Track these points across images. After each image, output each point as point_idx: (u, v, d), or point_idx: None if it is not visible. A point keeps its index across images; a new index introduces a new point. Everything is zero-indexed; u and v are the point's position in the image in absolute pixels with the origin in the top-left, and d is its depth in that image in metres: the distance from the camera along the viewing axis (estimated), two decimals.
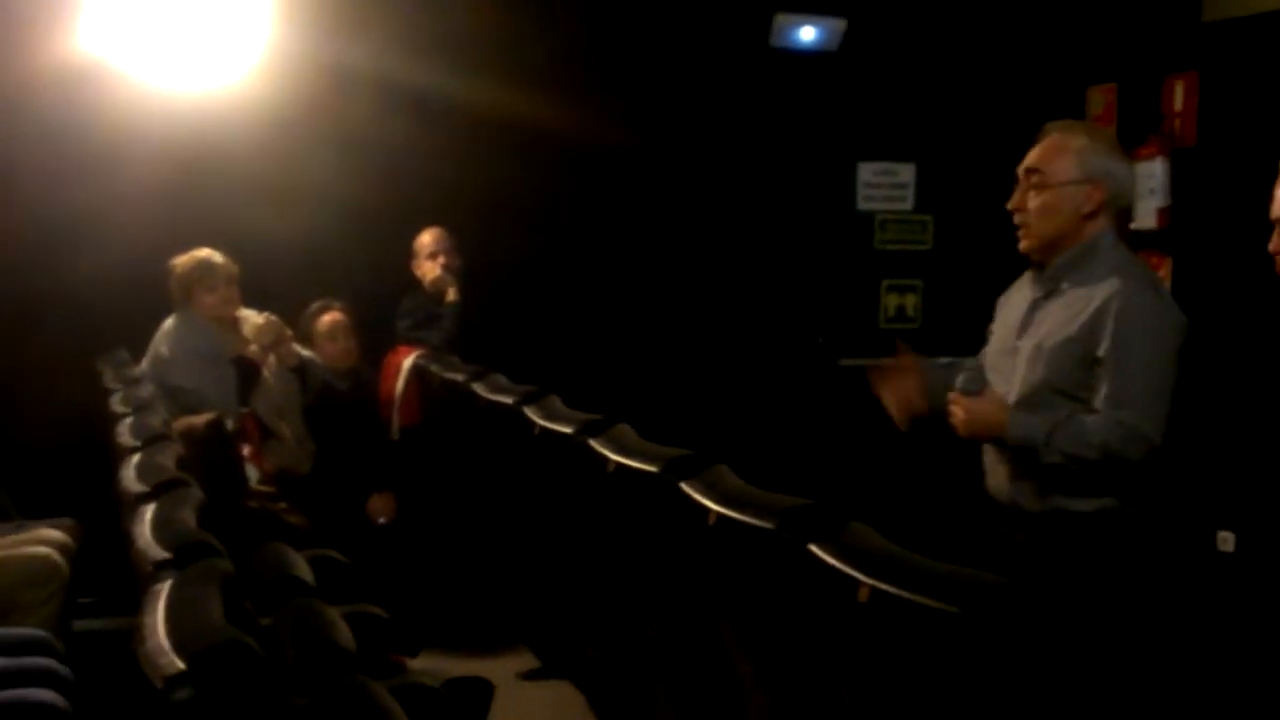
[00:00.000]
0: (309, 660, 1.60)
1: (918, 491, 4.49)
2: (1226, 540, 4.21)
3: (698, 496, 1.96)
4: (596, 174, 4.71)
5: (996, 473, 2.66)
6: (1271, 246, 2.15)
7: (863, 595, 1.51)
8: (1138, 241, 4.51)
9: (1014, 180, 2.81)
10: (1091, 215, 2.61)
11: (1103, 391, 2.52)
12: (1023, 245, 2.68)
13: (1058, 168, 2.62)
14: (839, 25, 4.70)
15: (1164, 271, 4.42)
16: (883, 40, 4.84)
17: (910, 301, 5.12)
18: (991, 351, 2.75)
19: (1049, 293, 2.65)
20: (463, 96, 4.39)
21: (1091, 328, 2.53)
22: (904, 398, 2.71)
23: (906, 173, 5.01)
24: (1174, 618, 3.17)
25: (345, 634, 1.70)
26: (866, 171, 4.99)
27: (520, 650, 3.58)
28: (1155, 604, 2.67)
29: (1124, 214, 2.69)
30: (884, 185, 5.04)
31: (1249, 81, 4.16)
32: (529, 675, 3.43)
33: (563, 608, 3.18)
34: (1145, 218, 4.45)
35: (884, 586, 1.49)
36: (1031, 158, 2.66)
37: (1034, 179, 2.63)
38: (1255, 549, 4.10)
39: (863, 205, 5.01)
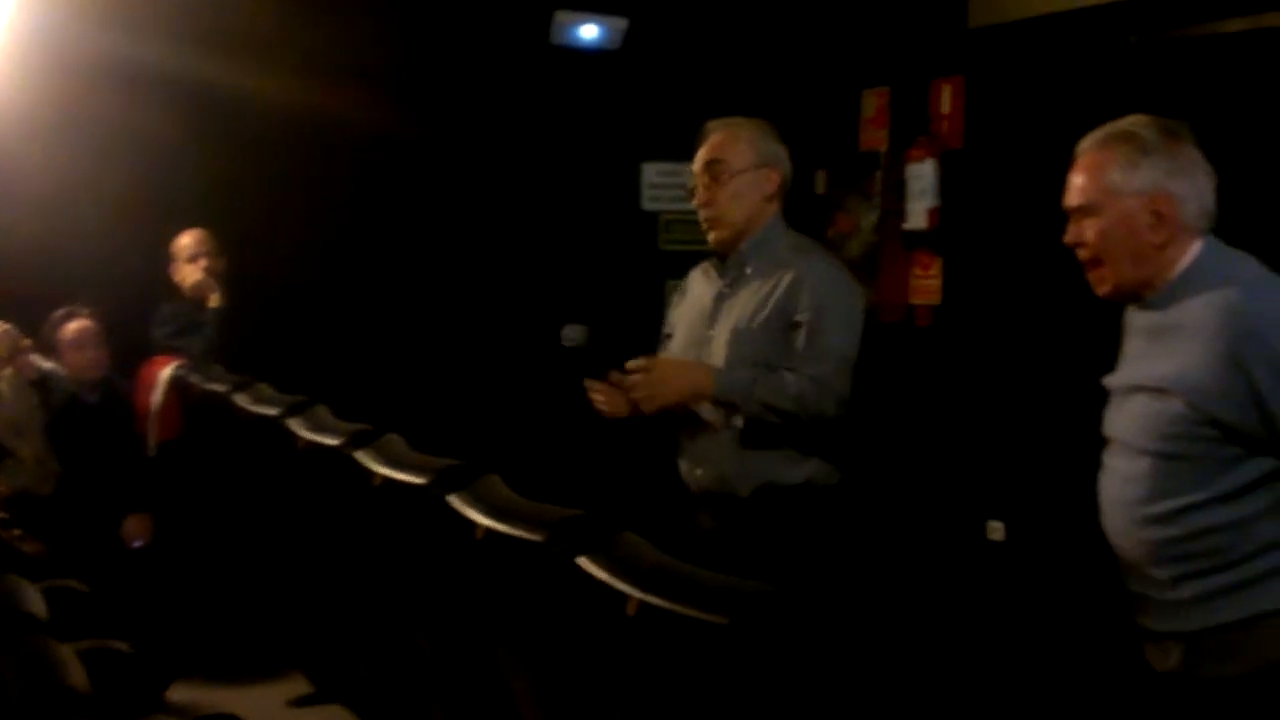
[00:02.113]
0: (34, 704, 1.49)
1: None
2: (996, 530, 4.37)
3: (465, 509, 1.86)
4: (376, 173, 4.54)
5: (707, 462, 2.73)
6: (1067, 238, 2.18)
7: (631, 609, 1.44)
8: (909, 241, 4.64)
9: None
10: (770, 197, 2.78)
11: (794, 350, 2.67)
12: (714, 237, 2.80)
13: (737, 155, 2.78)
14: (620, 24, 4.67)
15: (935, 270, 4.56)
16: (665, 40, 4.83)
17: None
18: (679, 345, 2.85)
19: (734, 281, 2.78)
20: (238, 89, 4.17)
21: (786, 301, 2.68)
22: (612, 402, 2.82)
23: (690, 173, 5.02)
24: (943, 617, 3.25)
25: (78, 674, 1.57)
26: (651, 172, 4.97)
27: (292, 675, 3.41)
28: (923, 603, 2.75)
29: (787, 196, 2.85)
30: (668, 185, 5.03)
31: (1013, 85, 4.32)
32: (300, 701, 3.27)
33: (334, 629, 3.02)
34: (916, 218, 4.58)
35: (652, 599, 1.42)
36: (708, 151, 2.80)
37: (716, 170, 2.76)
38: (1024, 538, 4.27)
39: (647, 205, 4.98)
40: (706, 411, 2.68)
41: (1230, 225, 2.26)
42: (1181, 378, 2.00)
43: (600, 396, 2.84)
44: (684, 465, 2.84)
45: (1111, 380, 2.18)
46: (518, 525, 1.73)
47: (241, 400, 3.08)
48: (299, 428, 2.61)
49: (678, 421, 2.85)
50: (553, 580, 1.64)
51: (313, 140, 4.38)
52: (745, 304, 2.73)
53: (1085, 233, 2.13)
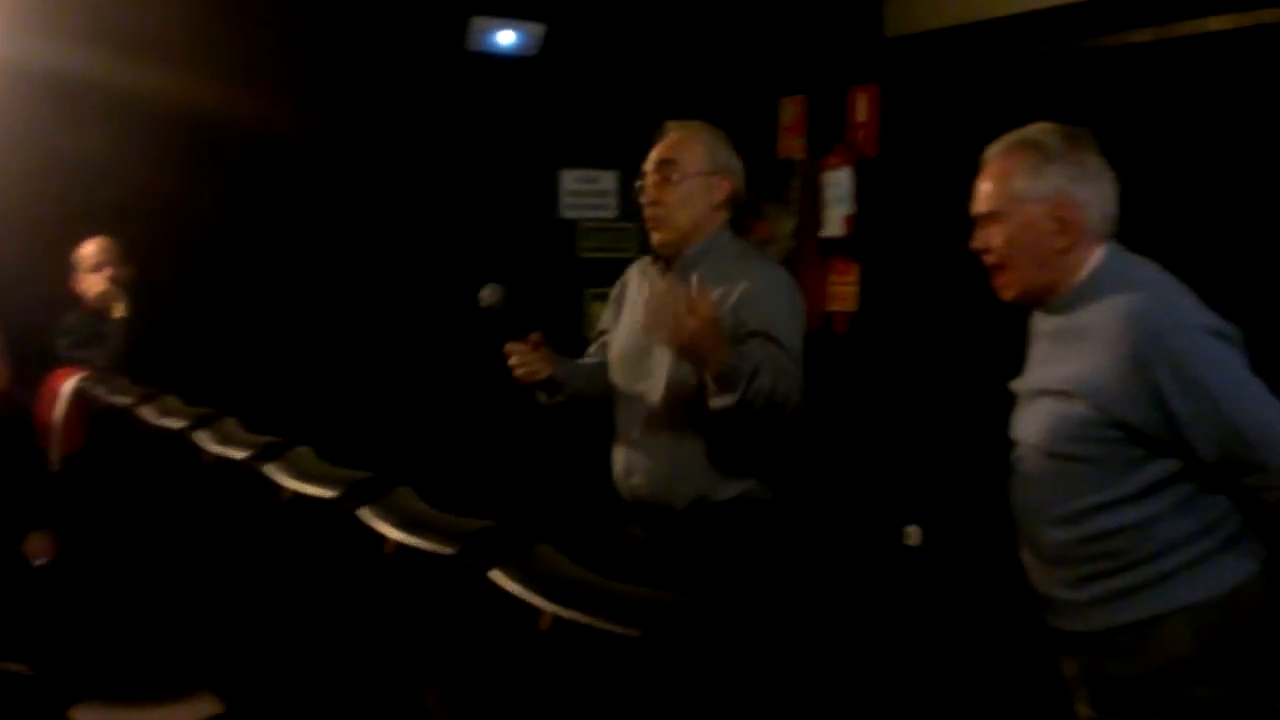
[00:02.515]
0: None
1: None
2: (912, 534, 4.41)
3: (375, 523, 1.81)
4: (289, 180, 4.46)
5: (644, 471, 2.69)
6: (973, 244, 2.21)
7: (544, 623, 1.41)
8: (826, 248, 4.68)
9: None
10: (719, 206, 2.73)
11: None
12: (658, 238, 2.74)
13: (691, 158, 2.71)
14: (538, 30, 4.64)
15: (852, 277, 4.60)
16: (582, 46, 4.81)
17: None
18: (619, 350, 2.78)
19: (676, 283, 2.67)
20: (147, 95, 4.06)
21: (736, 312, 2.61)
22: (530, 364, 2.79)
23: (609, 180, 5.00)
24: (861, 623, 3.26)
25: None
26: (569, 179, 4.95)
27: (201, 695, 3.31)
28: (842, 610, 2.76)
29: (737, 208, 2.81)
30: (587, 193, 5.01)
31: (927, 94, 4.38)
32: None
33: (244, 647, 2.94)
34: (833, 225, 4.62)
35: (565, 613, 1.39)
36: (663, 150, 2.73)
37: (668, 170, 2.69)
38: (940, 542, 4.32)
39: (565, 213, 4.96)
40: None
41: (1137, 230, 2.30)
42: (1086, 381, 2.03)
43: (518, 360, 2.80)
44: (618, 473, 2.79)
45: (1018, 384, 2.21)
46: (429, 538, 1.69)
47: (146, 413, 2.98)
48: (205, 441, 2.53)
49: (612, 429, 2.81)
50: (465, 594, 1.60)
51: (223, 146, 4.30)
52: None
53: (991, 239, 2.16)
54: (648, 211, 2.73)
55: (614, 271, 5.11)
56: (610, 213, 5.04)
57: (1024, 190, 2.13)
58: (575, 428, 3.10)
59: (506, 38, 4.60)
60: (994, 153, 2.19)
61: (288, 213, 4.45)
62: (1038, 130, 2.16)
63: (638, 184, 2.78)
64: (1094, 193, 2.12)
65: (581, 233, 4.99)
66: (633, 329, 2.75)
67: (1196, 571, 2.02)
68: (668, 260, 2.75)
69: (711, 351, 2.46)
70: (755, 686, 1.36)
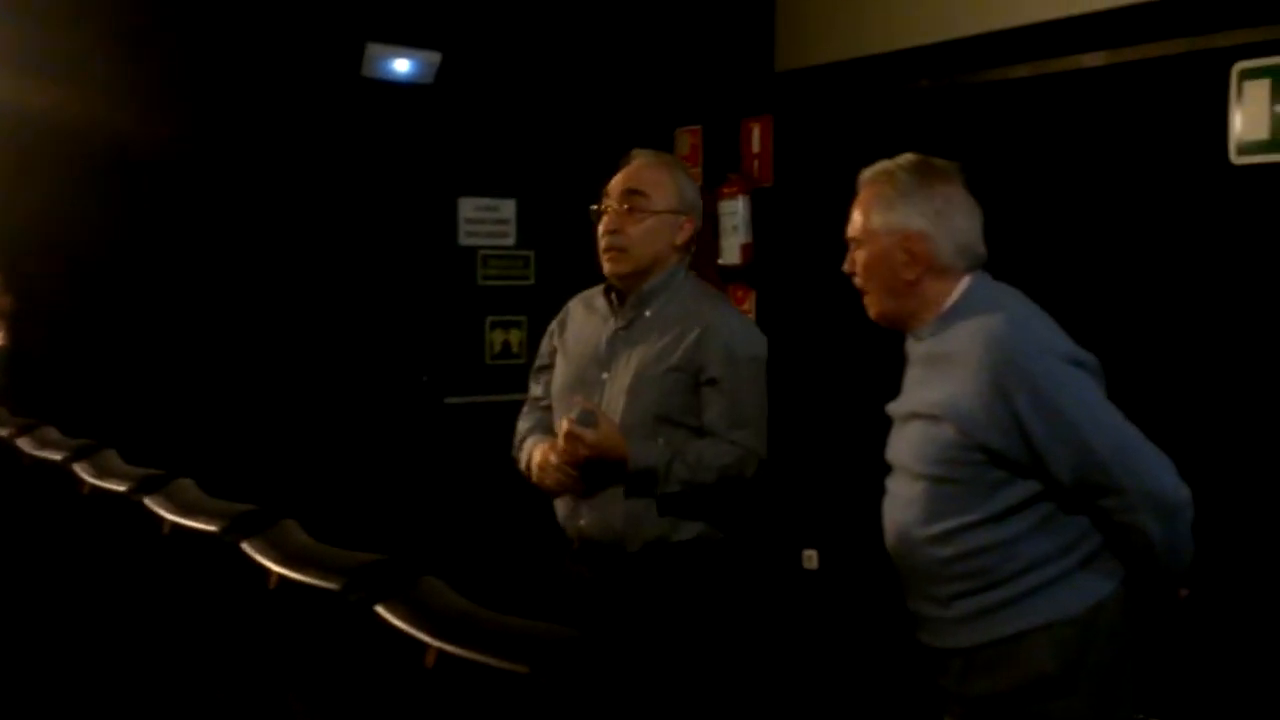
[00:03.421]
0: None
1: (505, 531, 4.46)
2: (811, 558, 4.47)
3: (258, 557, 1.77)
4: (183, 208, 4.36)
5: (593, 512, 2.61)
6: (846, 267, 2.27)
7: (429, 660, 1.39)
8: (724, 276, 4.73)
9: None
10: (681, 246, 2.67)
11: (714, 415, 2.57)
12: (613, 269, 2.65)
13: (661, 195, 2.65)
14: (434, 58, 4.62)
15: (749, 304, 4.65)
16: (479, 75, 4.81)
17: (515, 338, 5.10)
18: (564, 385, 2.70)
19: (631, 322, 2.65)
20: (31, 115, 3.96)
21: (693, 354, 2.56)
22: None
23: (508, 208, 5.00)
24: (758, 649, 3.27)
25: None
26: (468, 207, 4.93)
27: None
28: (740, 637, 2.76)
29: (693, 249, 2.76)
30: (486, 220, 5.00)
31: (818, 125, 4.46)
32: None
33: (125, 684, 2.85)
34: (730, 254, 4.67)
35: (450, 648, 1.38)
36: (633, 180, 2.65)
37: (636, 201, 2.62)
38: (836, 565, 4.37)
39: (465, 241, 4.94)
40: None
41: (1015, 259, 2.37)
42: (951, 405, 2.10)
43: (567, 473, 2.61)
44: (563, 513, 2.69)
45: (892, 407, 2.28)
46: (313, 573, 1.66)
47: (24, 444, 2.89)
48: (84, 472, 2.46)
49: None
50: (351, 630, 1.58)
51: (113, 172, 4.19)
52: (646, 350, 2.59)
53: (855, 263, 2.25)
54: (608, 240, 2.63)
55: (514, 299, 5.15)
56: (509, 240, 5.03)
57: (877, 223, 2.21)
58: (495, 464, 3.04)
59: (402, 65, 4.57)
60: (863, 180, 2.27)
61: (182, 241, 4.36)
62: (897, 163, 2.24)
63: (595, 208, 2.69)
64: (944, 228, 2.18)
65: (481, 260, 4.97)
66: (580, 363, 2.68)
67: (1057, 590, 2.09)
68: (619, 294, 2.68)
69: (614, 468, 2.50)
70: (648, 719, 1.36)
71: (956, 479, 2.10)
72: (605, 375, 2.64)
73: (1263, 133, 3.19)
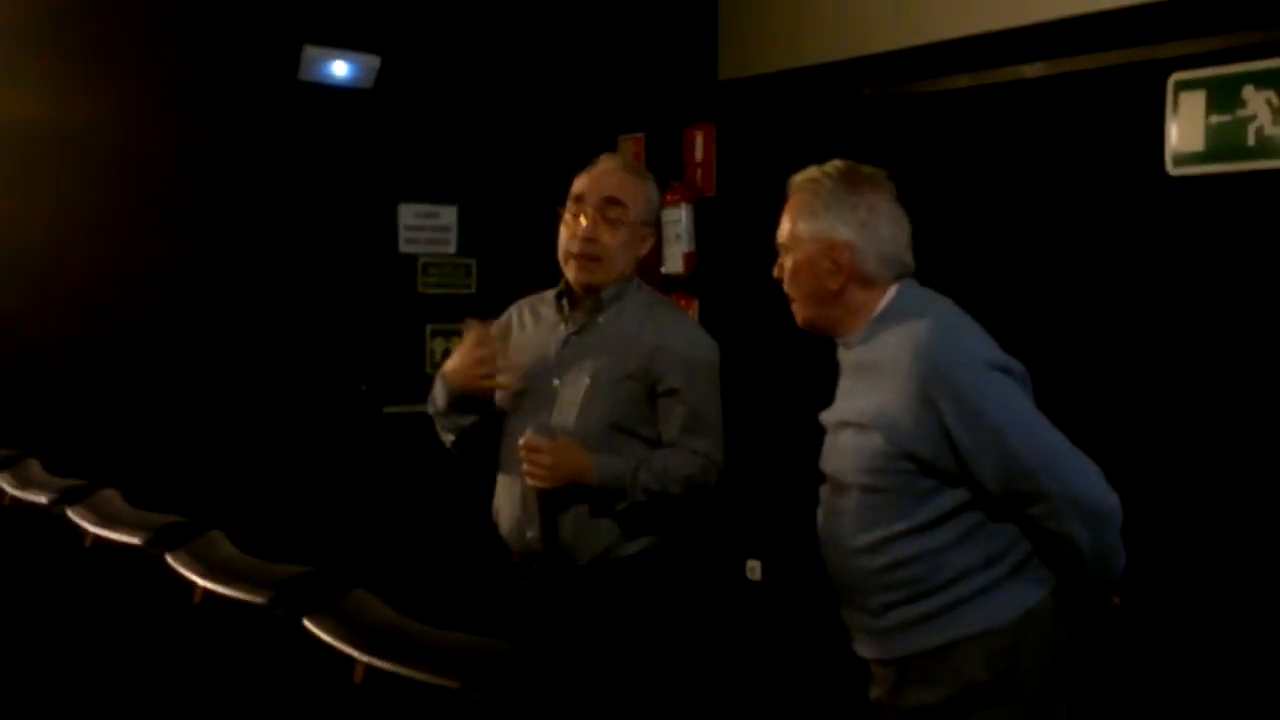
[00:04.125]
0: None
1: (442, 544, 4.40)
2: (755, 569, 4.46)
3: (183, 570, 1.72)
4: (109, 208, 4.25)
5: (542, 525, 2.57)
6: (775, 272, 2.28)
7: (357, 675, 1.35)
8: (667, 285, 4.71)
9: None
10: (639, 258, 2.68)
11: (674, 425, 2.57)
12: (588, 277, 2.62)
13: (637, 207, 2.65)
14: (373, 62, 4.55)
15: (692, 313, 4.63)
16: (420, 80, 4.75)
17: (456, 346, 5.01)
18: (512, 391, 2.65)
19: (583, 329, 2.63)
20: None
21: (650, 363, 2.55)
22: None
23: (449, 215, 4.93)
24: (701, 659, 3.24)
25: None
26: (408, 214, 4.86)
27: None
28: (683, 648, 2.74)
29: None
30: (426, 228, 4.93)
31: (760, 134, 4.46)
32: None
33: (52, 703, 2.76)
34: (673, 262, 4.65)
35: (380, 663, 1.34)
36: (614, 189, 2.62)
37: (615, 211, 2.60)
38: (780, 576, 4.36)
39: (405, 248, 4.87)
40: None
41: (953, 267, 2.37)
42: (879, 414, 2.09)
43: (485, 355, 2.58)
44: (508, 526, 2.64)
45: (825, 416, 2.27)
46: (239, 586, 1.61)
47: None
48: (5, 483, 2.39)
49: (494, 476, 2.69)
50: (279, 644, 1.53)
51: (48, 172, 4.08)
52: (599, 358, 2.57)
53: (784, 269, 2.26)
54: (584, 248, 2.59)
55: (455, 307, 5.08)
56: (450, 248, 4.96)
57: (802, 231, 2.22)
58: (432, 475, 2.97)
59: (340, 69, 4.50)
60: (791, 188, 2.27)
61: (108, 243, 4.25)
62: (824, 171, 2.25)
63: (562, 210, 2.64)
64: (868, 237, 2.19)
65: (421, 268, 4.91)
66: (532, 372, 2.62)
67: (988, 599, 2.09)
68: (570, 299, 2.65)
69: (580, 476, 2.48)
70: None
71: (886, 488, 2.10)
72: (556, 382, 2.60)
73: (1198, 144, 3.23)
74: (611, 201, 2.61)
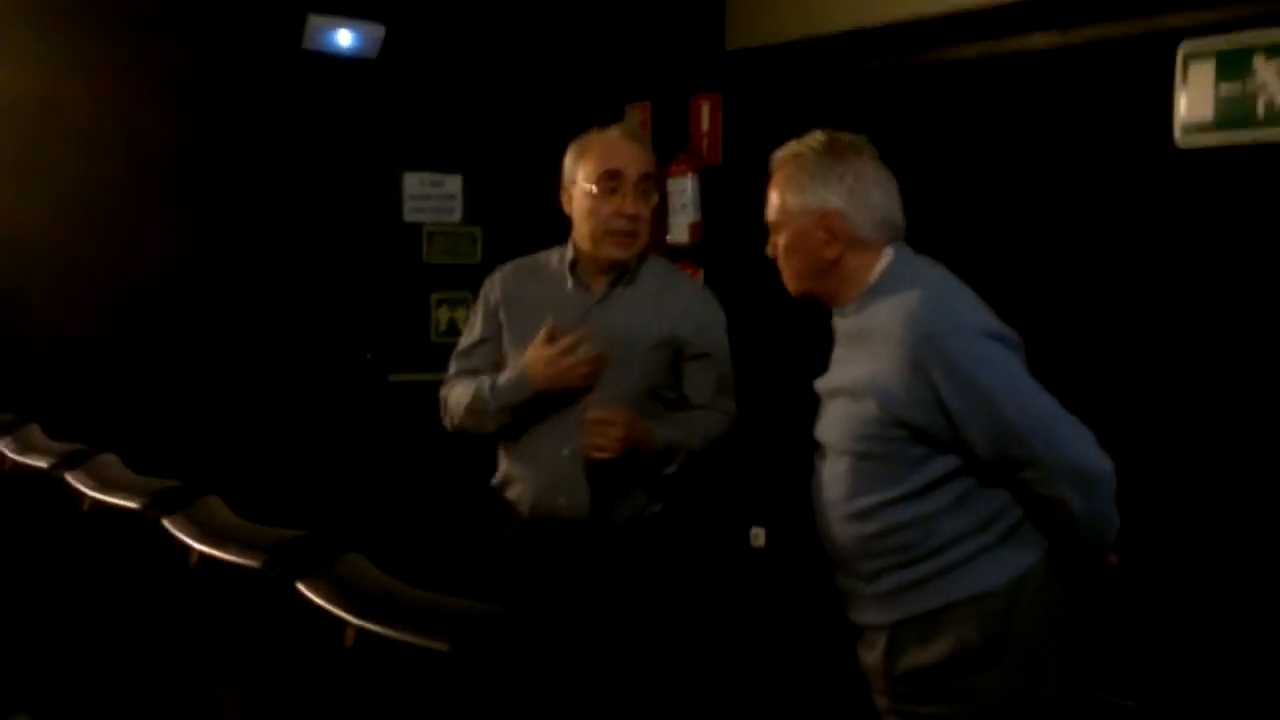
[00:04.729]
0: None
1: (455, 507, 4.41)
2: (758, 536, 4.46)
3: (179, 534, 1.73)
4: (114, 179, 4.25)
5: (575, 490, 2.62)
6: (769, 251, 2.29)
7: (348, 639, 1.35)
8: (672, 255, 4.69)
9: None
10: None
11: (708, 388, 2.69)
12: (632, 252, 2.67)
13: (656, 179, 2.73)
14: (377, 31, 4.53)
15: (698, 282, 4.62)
16: (424, 49, 4.73)
17: (461, 315, 5.03)
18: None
19: (605, 298, 2.70)
20: None
21: (678, 328, 2.64)
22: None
23: (454, 184, 4.92)
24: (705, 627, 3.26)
25: None
26: (413, 182, 4.85)
27: (16, 716, 3.13)
28: (688, 614, 2.77)
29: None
30: (432, 196, 4.92)
31: (767, 105, 4.43)
32: None
33: (53, 665, 2.79)
34: (678, 232, 4.63)
35: (370, 626, 1.34)
36: (647, 163, 2.69)
37: (649, 185, 2.68)
38: (783, 543, 4.37)
39: (410, 217, 4.86)
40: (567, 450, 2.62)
41: (961, 237, 2.36)
42: (873, 381, 2.11)
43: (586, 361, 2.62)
44: (535, 492, 2.68)
45: (820, 384, 2.29)
46: (233, 550, 1.62)
47: None
48: (6, 448, 2.40)
49: (514, 444, 2.73)
50: (272, 607, 1.54)
51: (52, 143, 4.08)
52: (629, 325, 2.65)
53: (777, 246, 2.28)
54: (627, 224, 2.64)
55: (461, 276, 5.08)
56: (455, 217, 4.96)
57: (792, 204, 2.23)
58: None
59: (345, 38, 4.48)
60: (773, 164, 2.28)
61: (115, 213, 4.26)
62: (805, 144, 2.27)
63: (593, 188, 2.65)
64: (859, 203, 2.20)
65: (427, 237, 4.90)
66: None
67: (979, 563, 2.11)
68: (572, 266, 2.70)
69: (641, 444, 2.56)
70: (571, 698, 1.33)
71: (879, 455, 2.12)
72: (580, 350, 2.64)
73: (1207, 115, 3.19)
74: (647, 177, 2.67)
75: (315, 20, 4.41)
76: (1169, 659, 3.30)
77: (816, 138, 2.25)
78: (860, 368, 2.14)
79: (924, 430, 2.07)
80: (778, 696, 3.68)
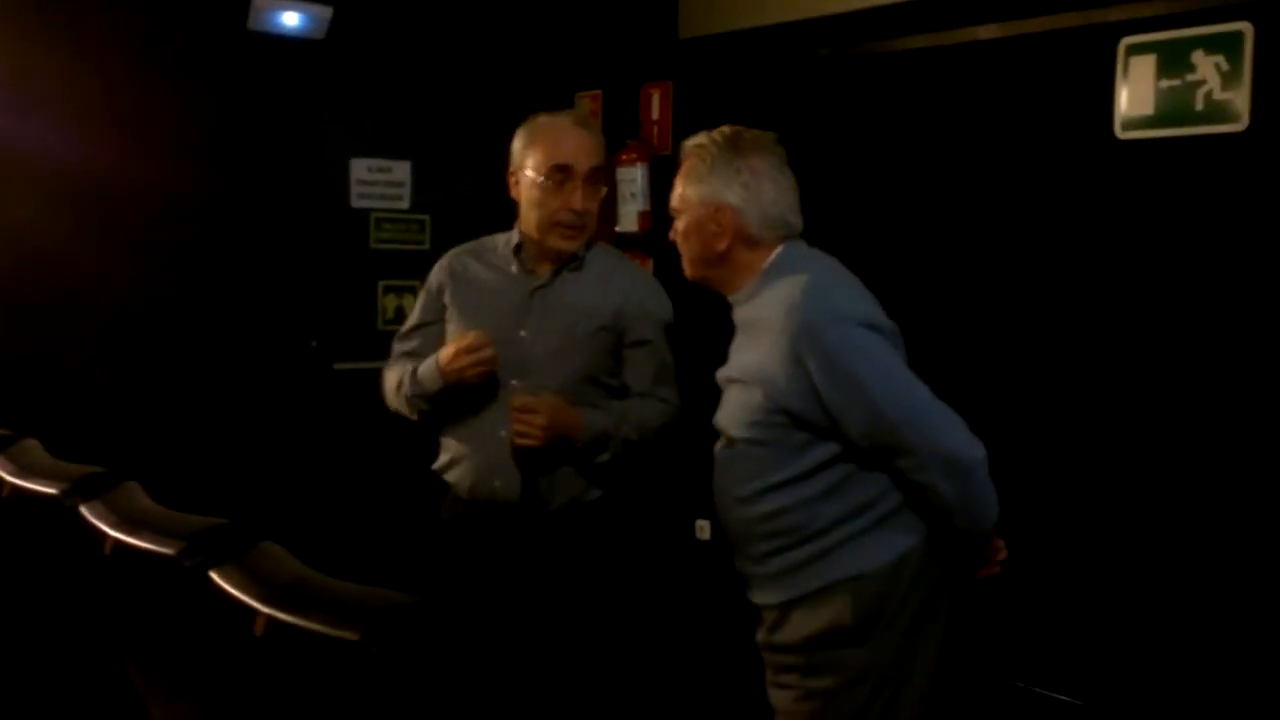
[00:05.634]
0: None
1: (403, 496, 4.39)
2: (704, 529, 4.46)
3: (96, 520, 1.70)
4: (57, 163, 4.17)
5: (510, 474, 2.62)
6: (670, 235, 2.33)
7: (258, 628, 1.33)
8: (621, 244, 4.67)
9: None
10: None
11: (645, 375, 2.68)
12: (578, 245, 2.67)
13: (604, 171, 2.71)
14: (325, 11, 4.47)
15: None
16: (373, 31, 4.67)
17: (409, 303, 4.98)
18: None
19: (548, 283, 2.69)
20: None
21: (620, 315, 2.64)
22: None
23: (402, 170, 4.88)
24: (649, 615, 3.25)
25: None
26: (360, 168, 4.80)
27: None
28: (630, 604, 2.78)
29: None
30: (379, 182, 4.87)
31: (718, 93, 4.42)
32: None
33: None
34: (628, 221, 4.62)
35: (280, 615, 1.33)
36: (597, 156, 2.68)
37: (599, 178, 2.68)
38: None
39: (357, 203, 4.81)
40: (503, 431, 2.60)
41: (905, 226, 2.36)
42: (759, 370, 2.18)
43: (486, 355, 2.59)
44: (474, 476, 2.66)
45: (719, 373, 2.34)
46: (148, 537, 1.59)
47: None
48: None
49: (455, 431, 2.72)
50: (185, 595, 1.51)
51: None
52: (570, 311, 2.64)
53: (678, 231, 2.35)
54: (574, 219, 2.63)
55: (408, 263, 5.03)
56: (404, 203, 4.91)
57: (690, 195, 2.31)
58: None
59: (291, 19, 4.42)
60: (681, 153, 2.36)
61: (54, 194, 4.18)
62: (711, 136, 2.33)
63: (541, 179, 2.63)
64: (751, 199, 2.27)
65: (374, 223, 4.85)
66: (491, 320, 2.65)
67: (859, 545, 2.18)
68: (531, 252, 2.69)
69: (570, 431, 2.55)
70: (477, 688, 1.32)
71: (765, 441, 2.19)
72: (524, 333, 2.65)
73: (1147, 108, 3.22)
74: (596, 170, 2.66)
75: (261, 0, 4.34)
76: (1119, 657, 3.33)
77: (723, 131, 2.32)
78: (749, 356, 2.22)
79: (803, 418, 2.13)
80: (708, 682, 3.68)
